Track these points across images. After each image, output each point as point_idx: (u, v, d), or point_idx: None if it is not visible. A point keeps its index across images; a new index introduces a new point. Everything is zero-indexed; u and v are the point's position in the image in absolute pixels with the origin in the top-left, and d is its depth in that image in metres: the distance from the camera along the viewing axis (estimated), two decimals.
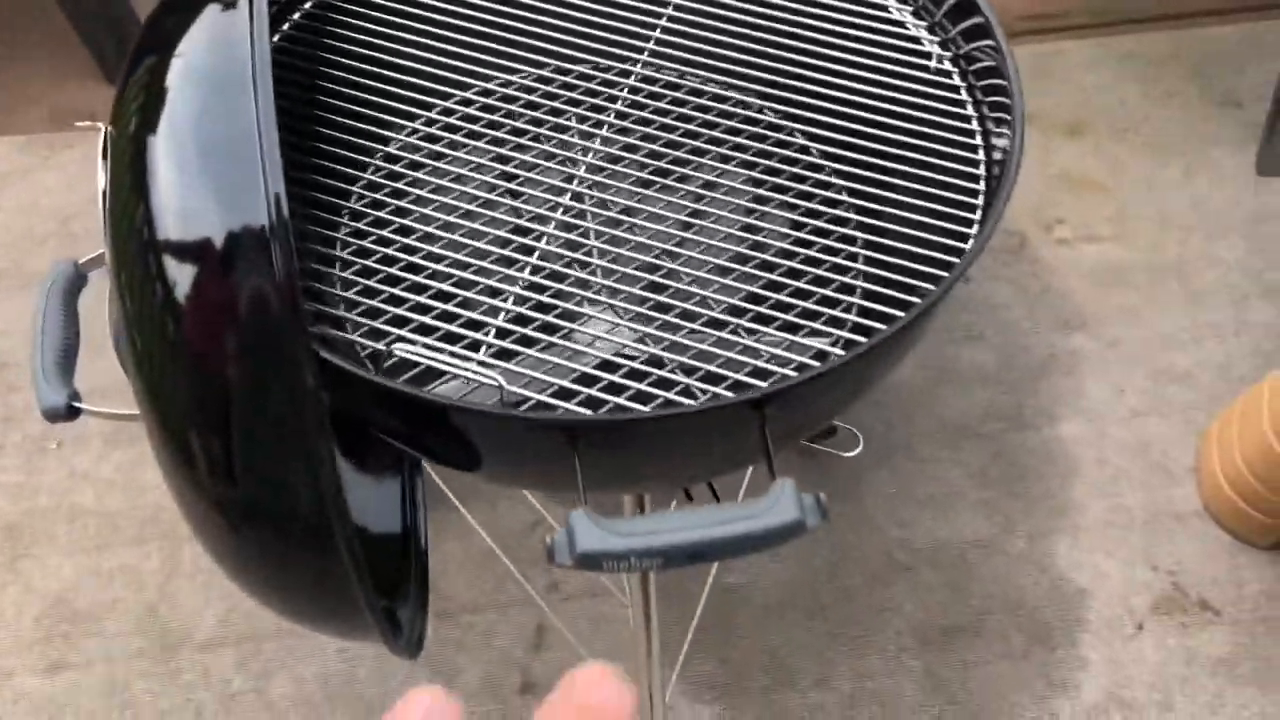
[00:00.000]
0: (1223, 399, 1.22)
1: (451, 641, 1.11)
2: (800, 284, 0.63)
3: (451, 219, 0.69)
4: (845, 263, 0.67)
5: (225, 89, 0.58)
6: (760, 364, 0.59)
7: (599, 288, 0.67)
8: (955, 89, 0.71)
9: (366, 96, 0.75)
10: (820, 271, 0.64)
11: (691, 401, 0.57)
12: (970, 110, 0.70)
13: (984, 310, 1.34)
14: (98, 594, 1.13)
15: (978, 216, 0.64)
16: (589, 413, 0.56)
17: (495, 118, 0.76)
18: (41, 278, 0.83)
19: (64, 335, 0.75)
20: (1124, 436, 1.24)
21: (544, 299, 0.64)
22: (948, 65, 0.73)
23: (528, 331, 0.63)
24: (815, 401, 0.58)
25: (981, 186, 0.66)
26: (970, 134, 0.69)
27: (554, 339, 0.63)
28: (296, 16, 0.78)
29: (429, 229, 0.70)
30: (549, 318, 0.63)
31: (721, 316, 0.62)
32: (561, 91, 0.77)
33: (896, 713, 1.07)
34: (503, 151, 0.74)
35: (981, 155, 0.67)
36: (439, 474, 1.17)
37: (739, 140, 0.72)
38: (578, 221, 0.71)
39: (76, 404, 0.74)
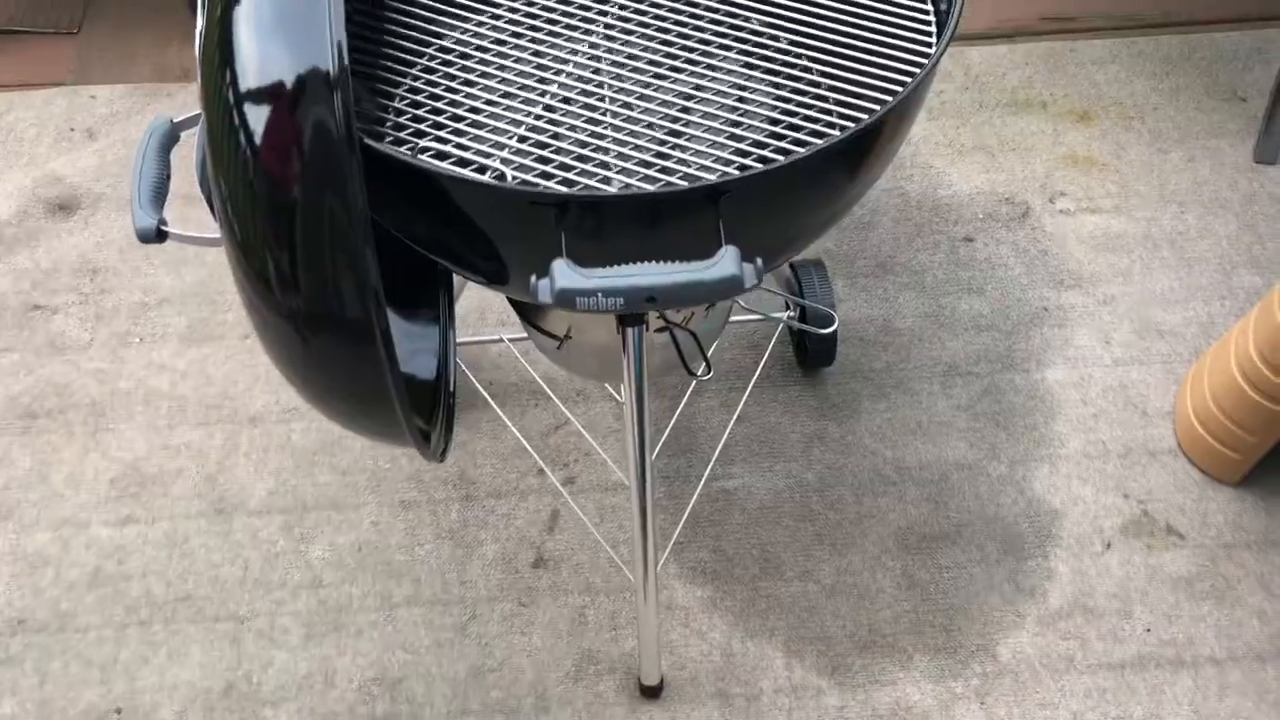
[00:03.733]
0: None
1: (475, 520, 1.23)
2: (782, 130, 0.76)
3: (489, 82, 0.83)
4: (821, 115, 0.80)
5: None
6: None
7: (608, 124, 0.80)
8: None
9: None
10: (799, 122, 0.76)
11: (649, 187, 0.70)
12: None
13: (984, 268, 1.44)
14: (165, 463, 1.28)
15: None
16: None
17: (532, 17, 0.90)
18: None
19: (158, 174, 0.90)
20: (1107, 381, 1.33)
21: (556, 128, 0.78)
22: None
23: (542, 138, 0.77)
24: (771, 199, 0.70)
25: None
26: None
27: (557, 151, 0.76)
28: None
29: (470, 90, 0.84)
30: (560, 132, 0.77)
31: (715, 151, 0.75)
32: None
33: (874, 604, 1.16)
34: (536, 48, 0.88)
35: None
36: (476, 375, 1.30)
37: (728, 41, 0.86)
38: (596, 83, 0.84)
39: (164, 227, 0.89)
